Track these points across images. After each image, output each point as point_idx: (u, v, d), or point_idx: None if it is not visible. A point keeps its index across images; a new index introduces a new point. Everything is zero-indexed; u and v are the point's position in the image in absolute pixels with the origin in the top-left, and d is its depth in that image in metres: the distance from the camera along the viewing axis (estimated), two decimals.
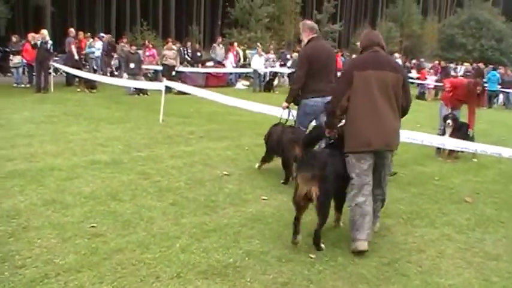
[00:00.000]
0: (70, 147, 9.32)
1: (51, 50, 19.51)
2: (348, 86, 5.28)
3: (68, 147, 9.32)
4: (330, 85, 7.36)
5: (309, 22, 8.08)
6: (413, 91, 27.01)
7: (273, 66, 26.12)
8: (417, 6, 66.04)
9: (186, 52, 24.62)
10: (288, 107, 7.96)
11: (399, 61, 28.62)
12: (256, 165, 8.36)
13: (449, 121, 10.34)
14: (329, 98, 6.27)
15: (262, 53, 25.39)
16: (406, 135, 8.69)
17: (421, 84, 27.79)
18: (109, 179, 7.27)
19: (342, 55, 32.09)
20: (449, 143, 8.92)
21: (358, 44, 5.85)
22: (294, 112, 7.96)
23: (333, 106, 5.49)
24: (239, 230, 5.59)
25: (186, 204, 6.35)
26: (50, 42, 19.19)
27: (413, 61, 33.99)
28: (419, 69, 30.18)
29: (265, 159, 8.27)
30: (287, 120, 8.05)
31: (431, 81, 27.32)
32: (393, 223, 6.17)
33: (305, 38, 7.77)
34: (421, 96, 26.13)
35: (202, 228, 5.53)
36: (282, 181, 7.65)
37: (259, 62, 24.35)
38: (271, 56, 27.39)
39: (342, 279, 4.57)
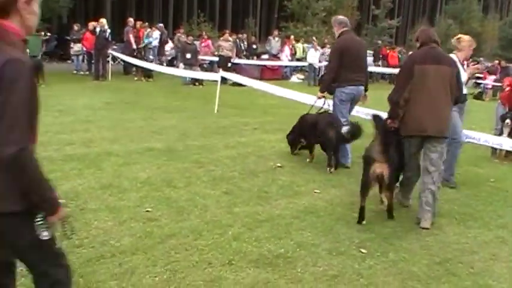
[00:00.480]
0: (127, 133, 9.53)
1: (110, 39, 19.93)
2: (409, 78, 5.79)
3: (125, 133, 9.53)
4: (362, 75, 8.28)
5: (339, 17, 8.67)
6: (472, 91, 26.44)
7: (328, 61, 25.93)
8: (478, 4, 64.21)
9: (241, 44, 24.72)
10: (323, 97, 8.54)
11: (456, 59, 27.89)
12: (307, 160, 8.39)
13: (508, 121, 9.96)
14: (362, 87, 8.18)
15: (318, 47, 25.24)
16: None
17: (479, 84, 27.06)
18: (164, 166, 7.39)
19: (399, 52, 31.59)
20: (507, 143, 8.66)
21: (415, 39, 6.30)
22: (329, 102, 8.51)
23: (397, 97, 5.92)
24: (291, 221, 5.59)
25: (239, 193, 6.39)
26: (109, 30, 19.61)
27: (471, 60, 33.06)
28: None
29: (309, 149, 8.54)
30: (321, 108, 8.57)
31: (490, 81, 26.54)
32: (446, 223, 6.05)
33: (336, 32, 8.41)
34: (478, 96, 25.36)
35: (254, 218, 5.56)
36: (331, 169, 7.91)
37: (314, 56, 24.23)
38: (327, 50, 27.19)
39: (392, 275, 4.52)
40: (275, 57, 25.87)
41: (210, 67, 23.16)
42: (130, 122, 10.70)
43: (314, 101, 8.75)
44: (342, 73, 8.02)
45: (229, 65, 21.29)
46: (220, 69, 15.23)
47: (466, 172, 8.80)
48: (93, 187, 6.26)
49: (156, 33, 23.83)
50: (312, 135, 8.25)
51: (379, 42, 33.57)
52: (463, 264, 4.88)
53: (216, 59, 22.22)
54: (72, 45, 22.13)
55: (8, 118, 2.31)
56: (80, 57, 22.12)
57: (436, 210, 5.96)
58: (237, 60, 22.66)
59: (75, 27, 22.60)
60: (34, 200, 2.45)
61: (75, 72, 21.44)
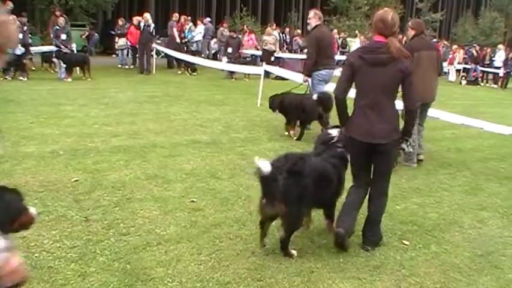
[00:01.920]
0: (172, 126, 9.69)
1: (154, 33, 20.19)
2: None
3: (169, 126, 9.70)
4: (333, 60, 10.30)
5: (318, 12, 10.28)
6: None
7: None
8: None
9: (284, 38, 24.71)
10: (307, 80, 9.94)
11: (503, 53, 27.29)
12: (286, 133, 9.58)
13: None
14: (333, 70, 9.87)
15: (365, 40, 25.05)
16: (506, 130, 8.44)
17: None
18: (209, 158, 7.50)
19: (443, 46, 31.07)
20: None
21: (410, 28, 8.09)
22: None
23: None
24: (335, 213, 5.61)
25: None
26: (153, 25, 19.87)
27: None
28: None
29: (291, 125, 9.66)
30: (308, 88, 9.92)
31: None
32: (489, 216, 5.98)
33: (313, 24, 9.86)
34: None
35: None
36: (295, 138, 9.27)
37: None
38: None
39: (434, 266, 4.51)
40: None
41: (254, 61, 23.24)
42: (174, 115, 10.86)
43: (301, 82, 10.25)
44: (318, 59, 9.57)
45: (273, 58, 21.30)
46: (264, 63, 15.25)
47: (510, 166, 8.67)
48: (139, 177, 6.40)
49: (200, 28, 24.04)
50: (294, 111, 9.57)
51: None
52: (506, 257, 4.84)
53: (259, 53, 22.29)
54: (117, 39, 22.51)
55: None
56: (125, 52, 22.49)
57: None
58: (280, 54, 22.65)
59: (120, 22, 22.97)
60: None
61: (120, 66, 21.81)
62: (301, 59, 23.60)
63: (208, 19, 26.48)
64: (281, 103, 9.70)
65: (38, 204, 5.29)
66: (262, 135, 9.42)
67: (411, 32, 8.07)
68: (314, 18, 9.91)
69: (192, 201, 5.64)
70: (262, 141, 8.87)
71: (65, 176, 6.30)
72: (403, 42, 11.82)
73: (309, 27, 10.48)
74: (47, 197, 5.55)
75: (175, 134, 9.08)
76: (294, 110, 9.50)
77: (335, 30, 28.36)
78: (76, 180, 6.15)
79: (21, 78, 15.76)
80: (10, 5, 18.93)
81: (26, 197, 5.30)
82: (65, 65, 16.50)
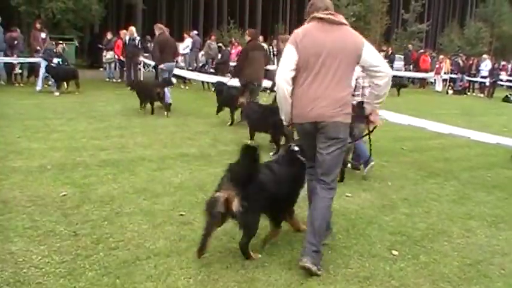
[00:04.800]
0: (160, 139, 9.69)
1: (139, 46, 20.19)
2: None
3: (157, 139, 9.69)
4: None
5: (254, 30, 12.86)
6: (503, 93, 26.09)
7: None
8: (510, 5, 63.12)
9: (272, 50, 24.77)
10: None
11: (489, 62, 27.60)
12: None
13: None
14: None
15: None
16: (493, 139, 8.53)
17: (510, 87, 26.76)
18: (197, 171, 7.50)
19: (430, 55, 31.33)
20: None
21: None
22: None
23: None
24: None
25: None
26: (138, 38, 19.91)
27: (503, 63, 32.56)
28: None
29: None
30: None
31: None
32: (477, 225, 6.02)
33: (248, 38, 11.98)
34: (508, 99, 24.96)
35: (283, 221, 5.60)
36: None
37: None
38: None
39: (423, 277, 4.53)
40: None
41: None
42: (162, 128, 10.86)
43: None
44: (245, 68, 11.30)
45: None
46: None
47: (498, 175, 8.74)
48: (127, 191, 6.39)
49: (188, 41, 24.09)
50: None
51: (410, 46, 33.32)
52: (494, 266, 4.87)
53: None
54: (104, 53, 22.51)
55: None
56: (113, 65, 22.49)
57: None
58: (268, 67, 22.67)
59: (109, 36, 22.97)
60: None
61: (107, 79, 21.82)
62: None
63: (195, 32, 26.54)
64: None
65: (25, 219, 5.27)
66: None
67: (247, 38, 11.90)
68: (250, 35, 11.99)
69: (181, 214, 5.63)
70: None
71: (53, 191, 6.27)
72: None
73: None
74: (35, 211, 5.52)
75: (163, 147, 9.07)
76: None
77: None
78: (64, 195, 6.12)
79: None
80: None
81: (14, 212, 5.33)
82: (53, 79, 16.51)
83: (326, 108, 4.44)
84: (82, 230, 5.06)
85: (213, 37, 25.63)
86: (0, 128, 10.11)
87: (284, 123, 4.92)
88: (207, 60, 24.17)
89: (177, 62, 22.06)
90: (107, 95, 16.10)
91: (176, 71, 19.18)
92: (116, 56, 21.67)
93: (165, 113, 12.69)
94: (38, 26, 19.18)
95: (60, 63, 17.63)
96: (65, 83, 16.83)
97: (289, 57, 4.53)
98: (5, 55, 18.54)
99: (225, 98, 12.18)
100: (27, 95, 15.67)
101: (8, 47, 18.76)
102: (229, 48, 24.24)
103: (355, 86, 7.53)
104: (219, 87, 12.74)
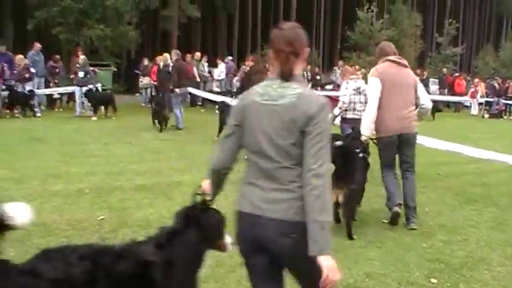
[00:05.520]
0: (195, 164, 9.75)
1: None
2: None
3: (193, 164, 9.77)
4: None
5: (257, 56, 14.25)
6: None
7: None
8: None
9: (306, 75, 24.89)
10: None
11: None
12: None
13: None
14: None
15: None
16: None
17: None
18: (232, 197, 7.43)
19: (464, 78, 31.01)
20: None
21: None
22: None
23: None
24: (359, 251, 5.60)
25: None
26: (171, 65, 20.17)
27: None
28: None
29: None
30: None
31: None
32: None
33: (251, 63, 13.12)
34: None
35: None
36: None
37: None
38: None
39: None
40: (340, 87, 25.87)
41: None
42: (198, 153, 10.92)
43: None
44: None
45: None
46: None
47: None
48: (164, 216, 6.43)
49: (222, 67, 24.36)
50: None
51: (444, 70, 33.03)
52: None
53: None
54: (141, 78, 22.89)
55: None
56: (149, 90, 22.82)
57: None
58: None
59: (145, 62, 23.36)
60: None
61: (143, 104, 22.12)
62: (323, 96, 23.76)
63: (230, 58, 26.83)
64: None
65: (64, 242, 5.35)
66: None
67: (251, 63, 11.95)
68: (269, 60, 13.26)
69: None
70: None
71: (91, 215, 6.38)
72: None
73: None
74: (74, 235, 5.63)
75: (198, 172, 9.10)
76: None
77: (356, 66, 28.45)
78: (102, 219, 6.22)
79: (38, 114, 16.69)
80: (38, 45, 19.51)
81: (54, 235, 5.43)
82: (90, 104, 16.91)
83: (406, 122, 6.45)
84: None
85: (247, 62, 25.89)
86: (41, 152, 10.37)
87: (364, 138, 6.73)
88: (242, 85, 24.37)
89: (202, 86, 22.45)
90: (142, 120, 16.30)
91: (211, 96, 19.45)
92: (152, 82, 21.99)
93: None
94: (79, 53, 19.66)
95: (99, 88, 18.05)
96: (102, 108, 17.17)
97: (376, 87, 6.43)
98: (46, 81, 19.06)
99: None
100: (66, 120, 16.04)
101: (48, 74, 19.32)
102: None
103: (349, 101, 9.04)
104: (222, 108, 13.10)
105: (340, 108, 9.14)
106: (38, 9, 26.02)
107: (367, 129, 6.60)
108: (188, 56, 22.59)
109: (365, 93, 8.61)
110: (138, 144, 11.89)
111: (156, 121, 14.77)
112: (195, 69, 22.06)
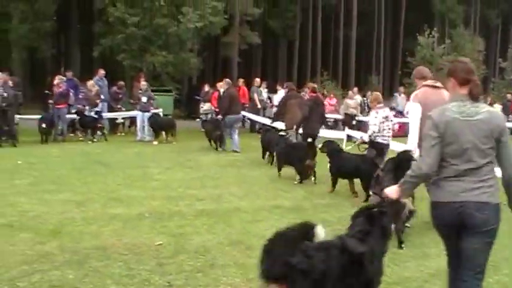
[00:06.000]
0: (254, 190, 9.71)
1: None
2: None
3: (251, 190, 9.73)
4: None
5: (291, 83, 15.99)
6: None
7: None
8: None
9: (366, 102, 24.61)
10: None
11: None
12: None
13: None
14: None
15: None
16: None
17: None
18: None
19: None
20: None
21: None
22: None
23: None
24: (422, 285, 5.40)
25: None
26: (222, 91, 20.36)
27: None
28: None
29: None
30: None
31: None
32: None
33: (286, 89, 15.20)
34: None
35: (384, 281, 5.37)
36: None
37: None
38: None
39: None
40: (401, 114, 25.43)
41: (334, 125, 23.19)
42: (257, 179, 10.90)
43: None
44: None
45: (354, 122, 21.22)
46: (346, 127, 15.17)
47: None
48: (222, 243, 6.39)
49: (281, 92, 24.36)
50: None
51: (508, 96, 31.98)
52: None
53: (340, 116, 22.34)
54: (202, 104, 23.13)
55: None
56: (209, 116, 23.00)
57: None
58: (361, 118, 22.53)
59: (206, 88, 23.63)
60: None
61: (203, 130, 22.27)
62: None
63: (289, 83, 26.81)
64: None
65: (122, 266, 5.38)
66: (343, 200, 9.22)
67: (286, 89, 15.52)
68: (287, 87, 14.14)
69: None
70: (346, 208, 8.62)
71: (150, 239, 6.39)
72: None
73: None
74: (132, 259, 5.63)
75: (257, 198, 9.08)
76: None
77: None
78: (160, 244, 6.21)
79: (95, 140, 17.13)
80: (102, 72, 20.10)
81: (112, 259, 5.45)
82: (152, 128, 17.21)
83: None
84: (176, 281, 5.09)
85: (307, 89, 25.83)
86: (103, 176, 10.56)
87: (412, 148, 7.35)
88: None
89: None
90: (203, 145, 16.42)
91: (267, 121, 19.44)
92: (213, 108, 22.18)
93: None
94: (141, 79, 20.13)
95: (160, 114, 18.37)
96: (163, 133, 17.42)
97: (417, 111, 7.17)
98: (109, 106, 19.56)
99: (268, 141, 13.26)
100: (128, 144, 16.36)
101: (112, 100, 19.83)
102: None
103: (378, 129, 9.64)
104: (265, 133, 14.02)
105: (370, 136, 9.82)
106: (103, 36, 26.86)
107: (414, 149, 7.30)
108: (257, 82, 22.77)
109: (391, 120, 10.28)
110: (197, 169, 11.95)
111: (212, 141, 15.88)
112: (255, 95, 22.17)
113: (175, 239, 6.44)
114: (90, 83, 18.81)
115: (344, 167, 9.67)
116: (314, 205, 8.75)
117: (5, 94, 14.91)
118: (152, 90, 19.71)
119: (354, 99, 22.28)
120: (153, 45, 25.79)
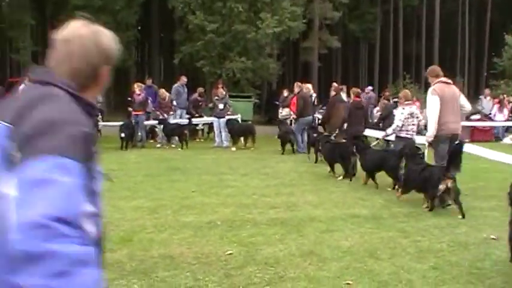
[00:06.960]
0: (330, 198, 9.39)
1: (315, 103, 20.31)
2: None
3: (328, 198, 9.41)
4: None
5: (338, 86, 16.59)
6: None
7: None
8: None
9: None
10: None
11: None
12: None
13: None
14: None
15: None
16: None
17: None
18: (368, 235, 7.03)
19: None
20: None
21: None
22: None
23: None
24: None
25: (447, 269, 5.77)
26: (314, 95, 20.04)
27: None
28: None
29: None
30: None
31: None
32: None
33: (333, 93, 15.52)
34: None
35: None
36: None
37: None
38: None
39: None
40: (487, 117, 24.27)
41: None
42: (334, 187, 10.55)
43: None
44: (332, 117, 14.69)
45: None
46: None
47: None
48: (293, 254, 6.13)
49: (361, 97, 23.89)
50: None
51: None
52: None
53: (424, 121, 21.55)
54: (280, 109, 22.98)
55: None
56: (288, 121, 22.82)
57: None
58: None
59: (285, 93, 23.47)
60: None
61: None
62: (468, 126, 22.24)
63: (370, 87, 26.30)
64: None
65: (189, 277, 5.25)
66: (423, 210, 8.72)
67: (333, 93, 15.47)
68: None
69: (348, 283, 5.21)
70: (426, 217, 8.17)
71: (219, 249, 6.23)
72: None
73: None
74: (199, 270, 5.48)
75: (333, 207, 8.75)
76: None
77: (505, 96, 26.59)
78: (230, 254, 6.04)
79: (173, 145, 17.61)
80: (184, 79, 20.41)
81: (179, 268, 5.32)
82: (229, 134, 17.26)
83: (458, 126, 9.13)
84: None
85: (387, 93, 25.17)
86: (178, 182, 10.58)
87: (428, 139, 9.10)
88: (383, 115, 23.68)
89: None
90: (280, 151, 16.25)
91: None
92: (292, 113, 21.98)
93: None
94: (219, 85, 20.26)
95: (238, 120, 18.39)
96: (241, 139, 17.40)
97: (437, 102, 8.76)
98: (187, 112, 19.82)
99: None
100: (206, 150, 16.46)
101: (192, 106, 20.08)
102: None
103: (402, 124, 10.64)
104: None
105: (394, 130, 10.85)
106: (183, 44, 27.32)
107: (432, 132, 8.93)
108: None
109: (417, 116, 10.93)
110: (274, 176, 11.76)
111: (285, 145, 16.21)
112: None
113: (245, 249, 6.25)
114: (161, 90, 19.16)
115: (372, 161, 10.70)
116: (393, 214, 8.30)
117: None
118: (232, 97, 19.81)
119: None
120: (232, 52, 26.03)
